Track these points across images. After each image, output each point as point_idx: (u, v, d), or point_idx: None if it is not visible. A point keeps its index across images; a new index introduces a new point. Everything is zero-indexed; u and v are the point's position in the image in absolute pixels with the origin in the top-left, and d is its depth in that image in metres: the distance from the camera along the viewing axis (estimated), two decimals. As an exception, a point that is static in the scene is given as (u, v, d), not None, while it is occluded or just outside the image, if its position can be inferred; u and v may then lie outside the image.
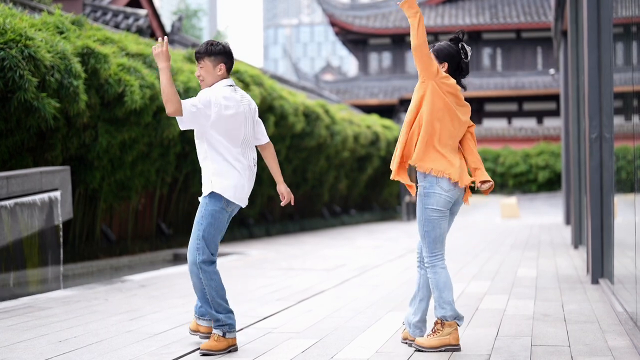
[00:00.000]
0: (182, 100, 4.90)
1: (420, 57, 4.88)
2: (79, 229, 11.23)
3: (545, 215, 26.88)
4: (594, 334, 5.45)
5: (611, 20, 7.59)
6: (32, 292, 7.92)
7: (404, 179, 5.06)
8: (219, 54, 5.09)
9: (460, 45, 5.08)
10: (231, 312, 5.09)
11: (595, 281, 8.07)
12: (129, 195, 11.77)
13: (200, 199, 5.11)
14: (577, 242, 12.30)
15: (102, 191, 11.22)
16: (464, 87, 5.11)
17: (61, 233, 8.64)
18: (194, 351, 5.06)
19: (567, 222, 18.59)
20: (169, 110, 4.86)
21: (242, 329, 5.76)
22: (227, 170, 5.03)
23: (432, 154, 4.96)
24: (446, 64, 5.05)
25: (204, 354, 4.95)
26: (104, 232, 11.93)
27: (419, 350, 5.00)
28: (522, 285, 8.17)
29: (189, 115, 4.91)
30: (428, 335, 5.05)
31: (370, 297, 7.43)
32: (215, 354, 4.95)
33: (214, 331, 5.04)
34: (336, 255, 12.13)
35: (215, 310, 5.02)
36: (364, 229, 20.19)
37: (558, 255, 11.54)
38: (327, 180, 20.41)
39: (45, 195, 8.38)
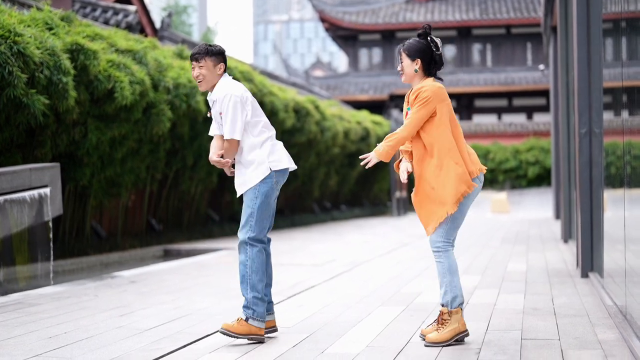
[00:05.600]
0: (232, 136, 5.23)
1: (415, 128, 5.01)
2: (69, 226, 11.21)
3: (535, 210, 26.94)
4: (584, 328, 5.47)
5: (600, 16, 7.61)
6: (21, 289, 7.90)
7: None
8: (219, 54, 5.37)
9: (429, 39, 5.10)
10: (263, 299, 5.23)
11: (585, 275, 8.09)
12: (118, 191, 11.75)
13: (246, 191, 5.30)
14: (566, 236, 12.34)
15: (92, 188, 11.20)
16: (440, 79, 5.16)
17: (51, 229, 8.62)
18: (184, 347, 5.07)
19: (557, 216, 18.65)
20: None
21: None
22: (274, 148, 5.34)
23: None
24: (419, 60, 5.07)
25: (222, 333, 5.11)
26: (94, 229, 11.91)
27: (429, 346, 4.95)
28: (512, 279, 8.19)
29: (242, 131, 5.29)
30: (437, 329, 5.02)
31: (360, 292, 7.44)
32: (232, 336, 5.09)
33: (240, 314, 5.22)
34: (326, 250, 12.14)
35: (250, 289, 5.19)
36: (354, 225, 20.20)
37: (548, 249, 11.58)
38: (317, 176, 20.41)
39: (34, 192, 8.36)
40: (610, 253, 7.05)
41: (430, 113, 4.98)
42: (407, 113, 5.10)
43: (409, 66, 5.09)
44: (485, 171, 5.16)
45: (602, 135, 7.77)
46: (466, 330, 5.04)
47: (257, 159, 5.27)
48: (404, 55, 5.11)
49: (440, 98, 5.00)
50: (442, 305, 5.06)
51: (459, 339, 5.00)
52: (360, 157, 5.07)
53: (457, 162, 4.98)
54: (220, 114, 5.28)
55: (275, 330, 5.37)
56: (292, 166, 5.41)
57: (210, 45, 5.36)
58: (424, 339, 5.06)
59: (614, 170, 6.95)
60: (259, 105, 5.47)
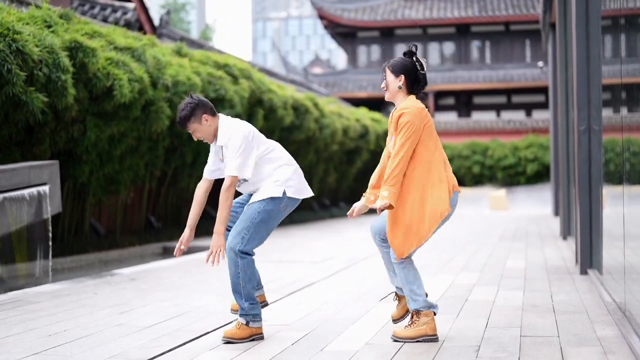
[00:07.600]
0: (238, 174, 5.04)
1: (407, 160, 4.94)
2: (68, 223, 11.21)
3: (534, 207, 26.95)
4: (583, 324, 5.48)
5: (599, 13, 7.61)
6: (21, 286, 7.90)
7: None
8: (194, 110, 5.13)
9: (414, 58, 5.08)
10: (258, 302, 5.21)
11: (584, 272, 8.10)
12: (117, 189, 11.75)
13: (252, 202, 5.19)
14: (565, 233, 12.34)
15: (91, 185, 11.20)
16: (422, 99, 5.14)
17: (50, 227, 8.62)
18: (183, 344, 5.07)
19: (556, 213, 18.66)
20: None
21: (231, 322, 5.76)
22: (293, 175, 5.22)
23: None
24: (403, 77, 5.04)
25: (226, 342, 5.08)
26: (93, 226, 11.91)
27: (396, 341, 5.04)
28: (511, 276, 8.20)
29: (252, 168, 5.11)
30: (405, 326, 5.10)
31: (359, 289, 7.44)
32: (237, 342, 5.07)
33: (239, 319, 5.16)
34: (325, 247, 12.14)
35: (245, 299, 5.13)
36: (353, 222, 20.20)
37: (547, 246, 11.58)
38: (316, 173, 20.41)
39: (33, 190, 8.36)
40: (609, 250, 7.06)
41: (417, 139, 4.93)
42: (393, 141, 5.04)
43: (393, 82, 5.07)
44: (460, 192, 5.12)
45: (601, 132, 7.77)
46: (435, 335, 5.03)
47: (272, 178, 5.16)
48: (388, 72, 5.09)
49: (422, 121, 4.94)
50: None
51: (424, 340, 5.01)
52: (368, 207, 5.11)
53: (437, 182, 4.94)
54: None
55: (266, 305, 5.45)
56: (307, 194, 5.30)
57: (182, 110, 5.12)
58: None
59: (613, 167, 6.96)
60: (264, 137, 5.33)
